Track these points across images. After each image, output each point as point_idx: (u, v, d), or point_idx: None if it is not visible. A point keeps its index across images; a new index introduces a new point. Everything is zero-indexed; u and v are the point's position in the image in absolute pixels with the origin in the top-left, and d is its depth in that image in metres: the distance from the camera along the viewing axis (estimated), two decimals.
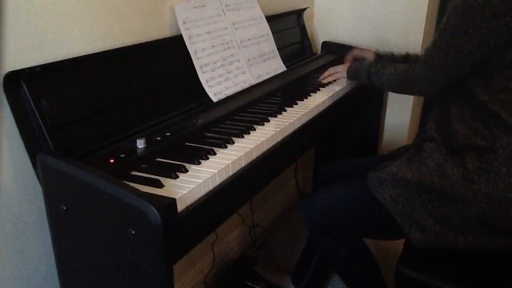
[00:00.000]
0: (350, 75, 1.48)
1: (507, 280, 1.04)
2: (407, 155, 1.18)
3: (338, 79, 1.57)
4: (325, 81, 1.56)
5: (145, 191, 0.80)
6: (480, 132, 1.08)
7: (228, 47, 1.42)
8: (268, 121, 1.20)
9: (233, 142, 1.06)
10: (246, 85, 1.43)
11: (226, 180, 0.93)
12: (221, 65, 1.37)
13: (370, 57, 1.67)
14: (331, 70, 1.56)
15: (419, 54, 1.74)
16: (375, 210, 1.13)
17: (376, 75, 1.32)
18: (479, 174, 1.04)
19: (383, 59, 1.58)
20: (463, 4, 1.01)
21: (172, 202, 0.80)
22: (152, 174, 0.90)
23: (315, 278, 1.59)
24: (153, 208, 0.72)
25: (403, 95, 1.91)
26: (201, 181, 0.87)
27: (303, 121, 1.25)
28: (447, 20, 1.06)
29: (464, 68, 1.08)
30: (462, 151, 1.09)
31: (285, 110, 1.29)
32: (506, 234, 1.04)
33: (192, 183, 0.86)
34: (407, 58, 1.63)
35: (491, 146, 1.06)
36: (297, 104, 1.35)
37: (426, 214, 1.07)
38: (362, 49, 1.77)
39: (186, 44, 1.26)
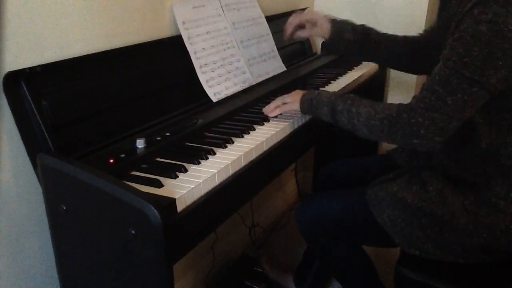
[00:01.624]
0: (305, 109, 1.15)
1: (507, 281, 1.04)
2: (407, 176, 1.11)
3: (287, 112, 1.21)
4: (271, 114, 1.20)
5: (145, 191, 0.80)
6: (472, 171, 1.02)
7: (228, 47, 1.42)
8: (268, 121, 1.20)
9: (233, 142, 1.06)
10: (246, 85, 1.43)
11: (225, 180, 0.93)
12: (221, 65, 1.37)
13: (324, 29, 1.30)
14: (278, 101, 1.20)
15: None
16: (374, 224, 1.09)
17: (346, 114, 1.03)
18: (479, 206, 1.00)
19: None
20: (490, 30, 0.86)
21: (172, 202, 0.80)
22: (152, 174, 0.90)
23: (317, 279, 1.58)
24: (153, 208, 0.72)
25: (403, 94, 1.92)
26: (201, 181, 0.87)
27: (303, 120, 1.25)
28: (465, 51, 0.88)
29: (479, 106, 0.91)
30: (459, 183, 1.05)
31: None
32: (508, 253, 1.03)
33: (192, 183, 0.86)
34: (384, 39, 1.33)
35: (487, 184, 1.01)
36: None
37: (425, 239, 1.04)
38: (313, 13, 1.30)
39: (186, 44, 1.26)
